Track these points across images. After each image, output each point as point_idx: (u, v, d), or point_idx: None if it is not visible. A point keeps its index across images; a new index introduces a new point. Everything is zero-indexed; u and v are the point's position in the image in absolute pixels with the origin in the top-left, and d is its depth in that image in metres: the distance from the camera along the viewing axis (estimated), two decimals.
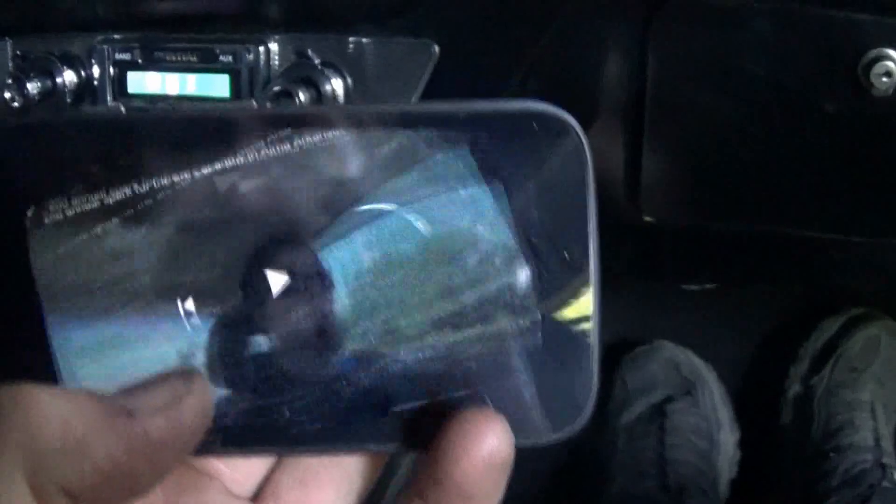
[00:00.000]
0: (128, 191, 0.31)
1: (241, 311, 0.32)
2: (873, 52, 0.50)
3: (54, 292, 0.31)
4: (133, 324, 0.31)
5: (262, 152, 0.31)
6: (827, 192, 0.59)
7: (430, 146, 0.31)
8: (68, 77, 0.60)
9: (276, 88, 0.52)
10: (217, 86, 0.56)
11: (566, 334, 0.32)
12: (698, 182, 0.62)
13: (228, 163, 0.31)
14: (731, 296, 1.09)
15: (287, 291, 0.31)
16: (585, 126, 0.57)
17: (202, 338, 0.31)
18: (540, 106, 0.31)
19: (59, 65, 0.60)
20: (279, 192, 0.31)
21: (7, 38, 0.63)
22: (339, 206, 0.31)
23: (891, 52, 0.49)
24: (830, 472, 0.92)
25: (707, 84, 0.56)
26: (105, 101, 0.59)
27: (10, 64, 0.62)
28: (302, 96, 0.52)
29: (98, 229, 0.31)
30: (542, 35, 0.54)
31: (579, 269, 0.32)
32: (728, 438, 1.02)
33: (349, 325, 0.31)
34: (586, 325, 0.32)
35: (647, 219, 0.61)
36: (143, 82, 0.58)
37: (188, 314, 0.31)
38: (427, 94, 0.54)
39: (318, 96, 0.53)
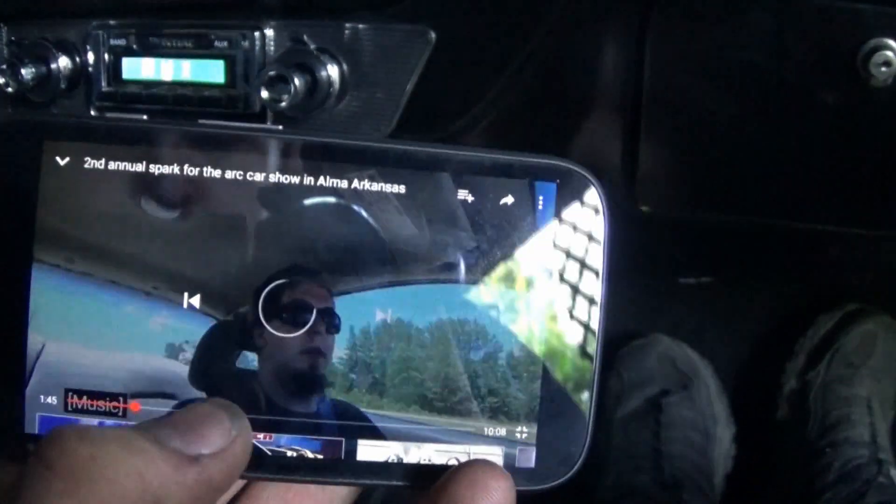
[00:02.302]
0: (176, 169, 0.31)
1: (242, 324, 0.32)
2: (872, 42, 0.49)
3: (52, 236, 0.31)
4: (128, 299, 0.31)
5: (319, 181, 0.32)
6: (824, 184, 0.59)
7: (458, 190, 0.32)
8: (63, 63, 0.60)
9: (272, 73, 0.52)
10: (212, 71, 0.56)
11: (566, 394, 0.33)
12: (695, 173, 0.62)
13: (283, 180, 0.31)
14: (728, 290, 1.09)
15: (294, 321, 0.32)
16: (581, 116, 0.57)
17: (197, 336, 0.32)
18: (565, 163, 0.32)
19: (53, 51, 0.60)
20: (319, 225, 0.32)
21: (2, 24, 0.62)
22: (373, 257, 0.32)
23: (890, 41, 0.49)
24: (826, 468, 0.92)
25: (704, 75, 0.56)
26: (100, 86, 0.59)
27: (5, 50, 0.62)
28: (297, 82, 0.51)
29: (130, 194, 0.31)
30: (540, 24, 0.54)
31: (586, 325, 0.33)
32: (724, 433, 1.02)
33: (339, 373, 0.32)
34: (586, 388, 0.33)
35: (644, 209, 0.61)
36: (137, 68, 0.58)
37: (191, 309, 0.31)
38: (423, 82, 0.53)
39: (314, 82, 0.53)
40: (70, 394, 0.31)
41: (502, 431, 0.33)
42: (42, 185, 0.31)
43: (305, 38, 0.54)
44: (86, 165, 0.31)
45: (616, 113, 0.59)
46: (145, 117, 0.31)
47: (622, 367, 1.03)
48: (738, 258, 1.03)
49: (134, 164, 0.31)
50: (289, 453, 0.32)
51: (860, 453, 0.92)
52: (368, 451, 0.32)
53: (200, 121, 0.31)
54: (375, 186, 0.32)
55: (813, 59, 0.52)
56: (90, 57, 0.59)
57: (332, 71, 0.54)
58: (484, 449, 0.33)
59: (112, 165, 0.31)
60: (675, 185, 0.62)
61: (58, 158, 0.31)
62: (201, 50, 0.56)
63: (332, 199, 0.32)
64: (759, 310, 1.09)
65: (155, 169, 0.31)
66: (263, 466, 0.32)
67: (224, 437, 0.27)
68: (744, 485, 1.01)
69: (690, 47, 0.55)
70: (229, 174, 0.31)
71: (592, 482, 0.97)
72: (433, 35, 0.53)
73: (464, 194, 0.32)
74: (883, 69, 0.49)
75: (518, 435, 0.33)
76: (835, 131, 0.55)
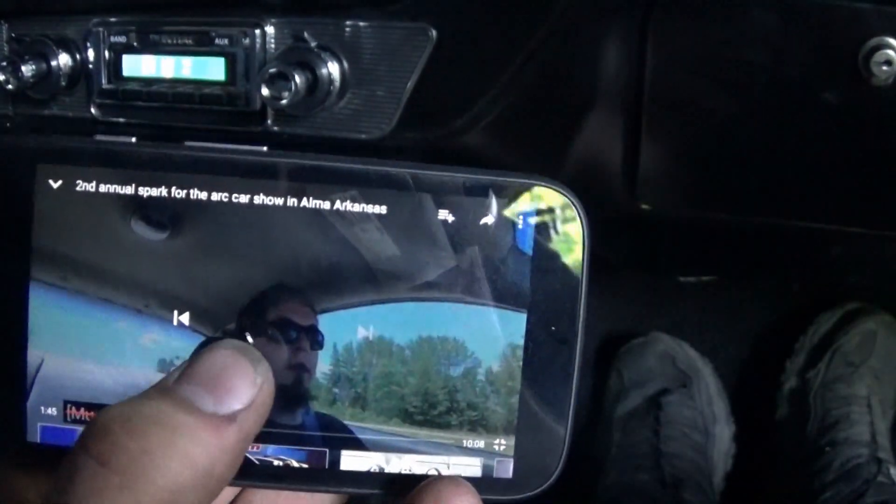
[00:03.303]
0: (164, 191, 0.32)
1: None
2: (873, 41, 0.49)
3: (48, 256, 0.32)
4: (121, 316, 0.32)
5: (302, 201, 0.32)
6: (825, 183, 0.59)
7: (438, 210, 0.33)
8: (63, 60, 0.60)
9: (272, 71, 0.52)
10: (213, 69, 0.56)
11: (543, 407, 0.34)
12: (696, 171, 0.62)
13: (268, 201, 0.32)
14: (728, 289, 1.09)
15: (278, 338, 0.33)
16: (582, 114, 0.57)
17: (187, 351, 0.32)
18: (545, 182, 0.33)
19: (54, 48, 0.59)
20: (303, 245, 0.32)
21: (2, 21, 0.62)
22: (355, 276, 0.33)
23: (891, 40, 0.49)
24: (826, 467, 0.92)
25: (706, 74, 0.56)
26: (100, 84, 0.59)
27: (6, 47, 0.62)
28: (297, 79, 0.51)
29: (120, 215, 0.32)
30: (542, 22, 0.54)
31: (564, 343, 0.33)
32: (723, 432, 1.02)
33: (323, 387, 0.33)
34: (564, 401, 0.34)
35: (645, 207, 0.61)
36: (138, 65, 0.57)
37: (181, 326, 0.32)
38: (424, 80, 0.53)
39: (315, 80, 0.52)
40: (69, 405, 0.33)
41: (481, 443, 0.34)
42: (37, 208, 0.32)
43: (306, 35, 0.54)
44: (78, 188, 0.32)
45: (617, 111, 0.59)
46: (133, 140, 0.32)
47: (622, 366, 1.03)
48: (739, 257, 1.03)
49: (123, 187, 0.32)
50: (276, 462, 0.33)
51: (860, 452, 0.92)
52: (351, 461, 0.33)
53: (187, 143, 0.32)
54: (357, 207, 0.32)
55: (814, 59, 0.52)
56: (90, 54, 0.59)
57: (333, 69, 0.54)
58: (462, 460, 0.34)
59: (103, 188, 0.32)
60: (676, 183, 0.62)
61: (51, 181, 0.32)
62: (202, 47, 0.56)
63: (315, 220, 0.32)
64: (759, 308, 1.09)
65: (144, 191, 0.32)
66: (253, 475, 0.33)
67: (251, 386, 0.28)
68: (743, 483, 1.02)
69: (691, 46, 0.55)
70: (215, 195, 0.32)
71: (592, 481, 0.97)
72: (434, 33, 0.53)
73: (444, 214, 0.33)
74: (884, 68, 0.49)
75: (496, 447, 0.34)
76: (836, 130, 0.55)
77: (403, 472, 0.33)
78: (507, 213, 0.33)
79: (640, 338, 1.05)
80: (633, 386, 1.02)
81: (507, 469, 0.34)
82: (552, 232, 0.33)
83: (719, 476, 1.00)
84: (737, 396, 1.05)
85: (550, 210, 0.33)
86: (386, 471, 0.33)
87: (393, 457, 0.33)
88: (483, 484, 0.32)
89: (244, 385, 0.28)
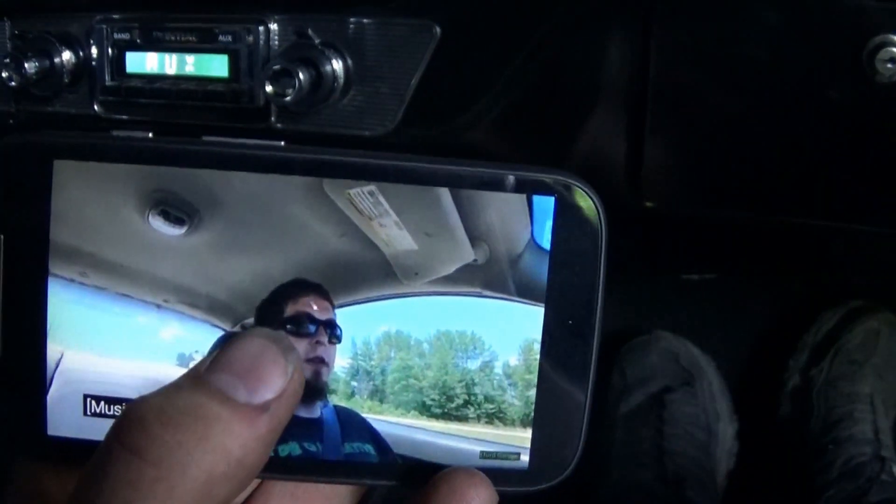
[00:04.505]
0: (182, 186, 0.32)
1: None
2: (878, 39, 0.49)
3: (66, 252, 0.32)
4: (140, 311, 0.32)
5: (321, 196, 0.32)
6: (829, 180, 0.59)
7: (456, 204, 0.33)
8: (66, 57, 0.60)
9: (276, 68, 0.52)
10: (216, 66, 0.56)
11: (560, 401, 0.34)
12: (700, 169, 0.62)
13: (286, 195, 0.32)
14: (731, 286, 1.09)
15: (297, 332, 0.33)
16: (586, 111, 0.57)
17: (206, 346, 0.33)
18: (564, 176, 0.33)
19: (57, 45, 0.60)
20: (321, 240, 0.32)
21: (5, 18, 0.62)
22: (373, 270, 0.33)
23: (895, 37, 0.49)
24: (829, 465, 0.92)
25: (709, 71, 0.56)
26: (103, 80, 0.59)
27: (9, 44, 0.62)
28: (301, 76, 0.51)
29: (138, 211, 0.32)
30: (545, 19, 0.54)
31: (581, 336, 0.33)
32: (726, 430, 1.02)
33: (341, 381, 0.33)
34: (581, 394, 0.34)
35: (649, 204, 0.61)
36: (141, 62, 0.58)
37: (200, 320, 0.33)
38: (428, 76, 0.53)
39: (318, 76, 0.53)
40: (88, 399, 0.33)
41: (497, 436, 0.34)
42: (54, 204, 0.32)
43: (310, 32, 0.54)
44: (95, 184, 0.32)
45: (621, 108, 0.59)
46: (150, 135, 0.32)
47: (625, 364, 1.03)
48: (741, 254, 1.03)
49: (141, 182, 0.32)
50: (294, 455, 0.33)
51: (863, 451, 0.92)
52: (369, 453, 0.33)
53: (205, 137, 0.32)
54: (375, 201, 0.32)
55: (818, 56, 0.52)
56: (93, 51, 0.59)
57: (337, 65, 0.54)
58: (479, 452, 0.34)
59: (120, 183, 0.32)
60: (680, 180, 0.62)
61: (68, 178, 0.32)
62: (205, 44, 0.56)
63: (333, 214, 0.32)
64: (762, 306, 1.09)
65: (161, 186, 0.32)
66: (272, 467, 0.32)
67: (283, 375, 0.28)
68: (746, 481, 1.02)
69: (695, 43, 0.55)
70: (233, 190, 0.32)
71: (595, 479, 0.97)
72: (438, 29, 0.53)
73: (462, 208, 0.33)
74: (888, 66, 0.49)
75: (513, 439, 0.34)
76: (840, 128, 0.55)
77: (420, 464, 0.33)
78: (525, 206, 0.33)
79: (642, 335, 1.05)
80: (636, 384, 1.02)
81: (523, 461, 0.34)
82: (570, 226, 0.33)
83: (722, 474, 1.00)
84: (740, 394, 1.05)
85: (569, 204, 0.33)
86: (403, 463, 0.33)
87: (410, 449, 0.33)
88: (499, 476, 0.32)
89: (276, 374, 0.28)
